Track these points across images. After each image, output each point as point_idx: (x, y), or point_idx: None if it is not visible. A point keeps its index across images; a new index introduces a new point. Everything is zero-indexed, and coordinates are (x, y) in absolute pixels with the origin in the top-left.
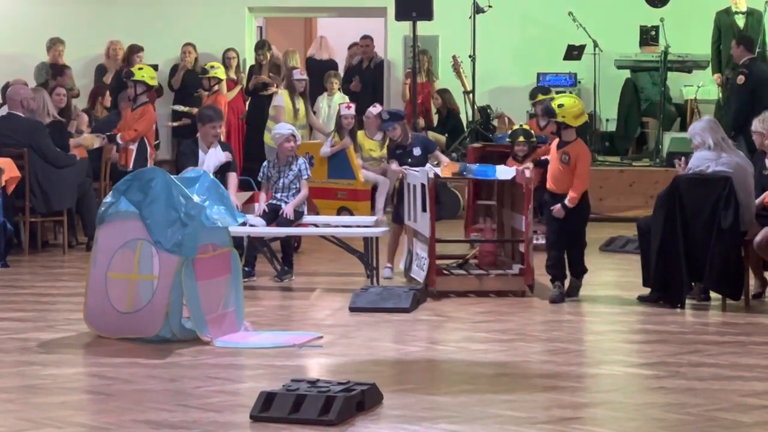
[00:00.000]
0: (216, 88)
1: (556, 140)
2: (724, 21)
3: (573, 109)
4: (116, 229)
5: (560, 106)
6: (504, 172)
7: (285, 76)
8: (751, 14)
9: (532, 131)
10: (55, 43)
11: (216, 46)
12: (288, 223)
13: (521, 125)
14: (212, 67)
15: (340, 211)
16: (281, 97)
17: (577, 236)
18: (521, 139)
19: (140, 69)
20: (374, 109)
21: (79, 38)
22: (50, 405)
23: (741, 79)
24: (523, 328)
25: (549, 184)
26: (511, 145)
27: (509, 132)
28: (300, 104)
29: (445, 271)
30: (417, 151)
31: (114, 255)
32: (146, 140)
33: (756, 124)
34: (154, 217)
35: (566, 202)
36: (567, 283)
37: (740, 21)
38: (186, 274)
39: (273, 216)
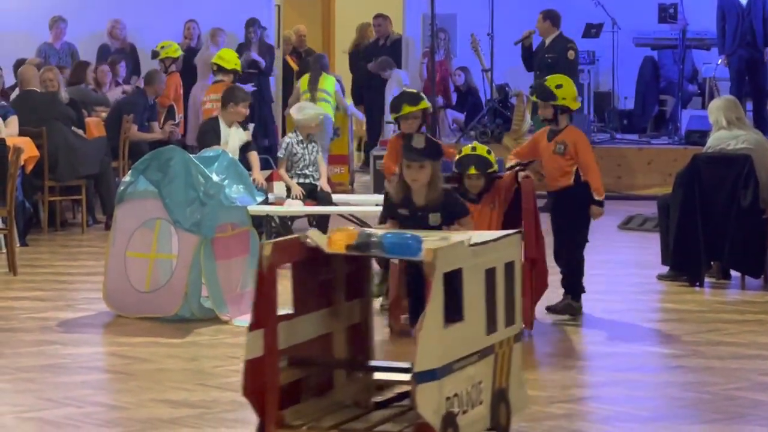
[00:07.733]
0: (173, 68)
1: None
2: (727, 1)
3: (572, 89)
4: (135, 209)
5: (559, 86)
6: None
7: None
8: None
9: (490, 158)
10: (56, 21)
11: (233, 25)
12: (328, 196)
13: (473, 147)
14: (162, 47)
15: None
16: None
17: (573, 240)
18: (473, 171)
19: (162, 47)
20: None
21: (83, 16)
22: (70, 384)
23: (572, 54)
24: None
25: (549, 184)
26: (458, 178)
27: (455, 160)
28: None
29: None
30: (434, 219)
31: (133, 234)
32: (174, 106)
33: None
34: (173, 197)
35: (594, 197)
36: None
37: None
38: (205, 254)
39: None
